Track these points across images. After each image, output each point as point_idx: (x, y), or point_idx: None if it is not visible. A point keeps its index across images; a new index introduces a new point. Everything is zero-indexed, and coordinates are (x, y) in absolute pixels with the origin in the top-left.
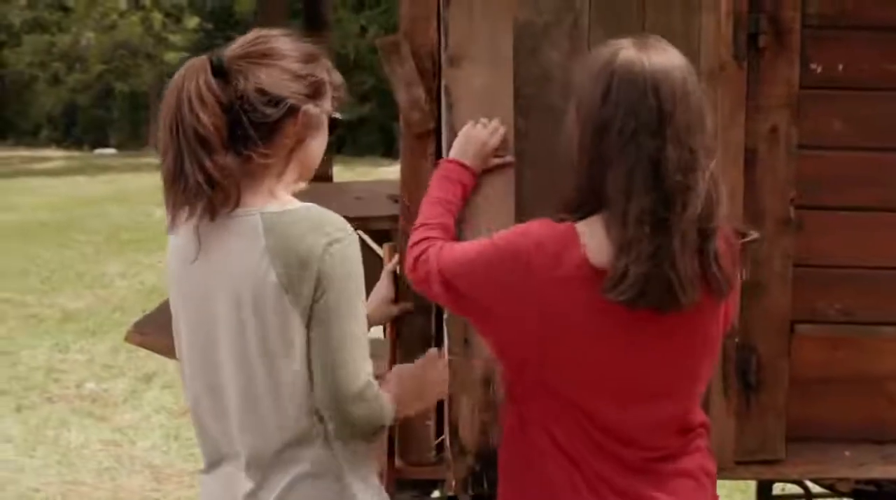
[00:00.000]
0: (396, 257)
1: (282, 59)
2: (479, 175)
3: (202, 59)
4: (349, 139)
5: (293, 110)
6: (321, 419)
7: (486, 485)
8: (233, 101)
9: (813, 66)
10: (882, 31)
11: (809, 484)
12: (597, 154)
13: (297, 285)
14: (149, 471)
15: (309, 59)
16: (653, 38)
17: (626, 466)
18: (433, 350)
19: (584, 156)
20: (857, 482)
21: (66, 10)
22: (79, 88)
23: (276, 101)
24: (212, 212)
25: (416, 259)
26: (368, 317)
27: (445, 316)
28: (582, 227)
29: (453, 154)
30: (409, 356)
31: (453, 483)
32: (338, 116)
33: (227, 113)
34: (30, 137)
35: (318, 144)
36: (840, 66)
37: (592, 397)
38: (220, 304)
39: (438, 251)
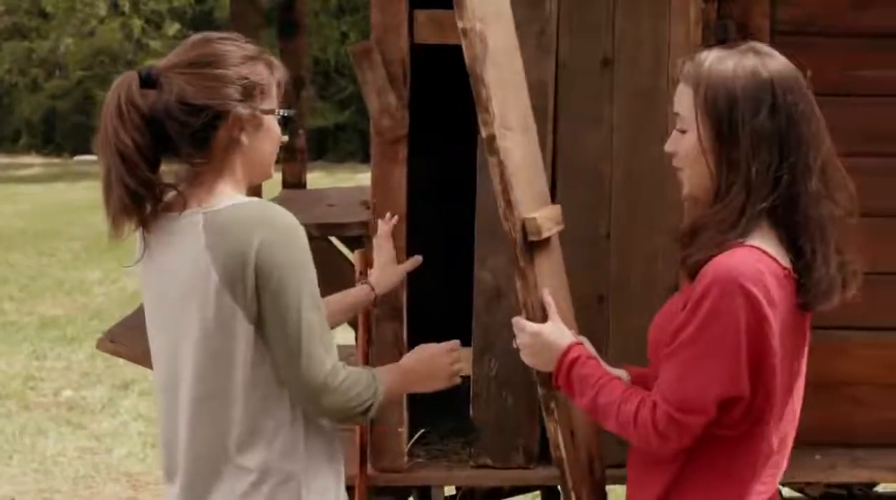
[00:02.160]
0: (394, 219)
1: (208, 65)
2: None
3: (132, 73)
4: (329, 145)
5: (220, 115)
6: (278, 416)
7: None
8: (157, 112)
9: None
10: (850, 37)
11: (780, 488)
12: (772, 166)
13: (237, 282)
14: (125, 479)
15: (243, 60)
16: (756, 44)
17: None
18: (454, 342)
19: (759, 171)
20: (828, 485)
21: (45, 16)
22: (58, 95)
23: (197, 109)
24: (143, 223)
25: (657, 432)
26: (377, 284)
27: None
28: (758, 242)
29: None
30: (380, 361)
31: None
32: (282, 113)
33: (150, 125)
34: (9, 143)
35: (260, 144)
36: (808, 73)
37: (780, 414)
38: (172, 305)
39: (660, 409)
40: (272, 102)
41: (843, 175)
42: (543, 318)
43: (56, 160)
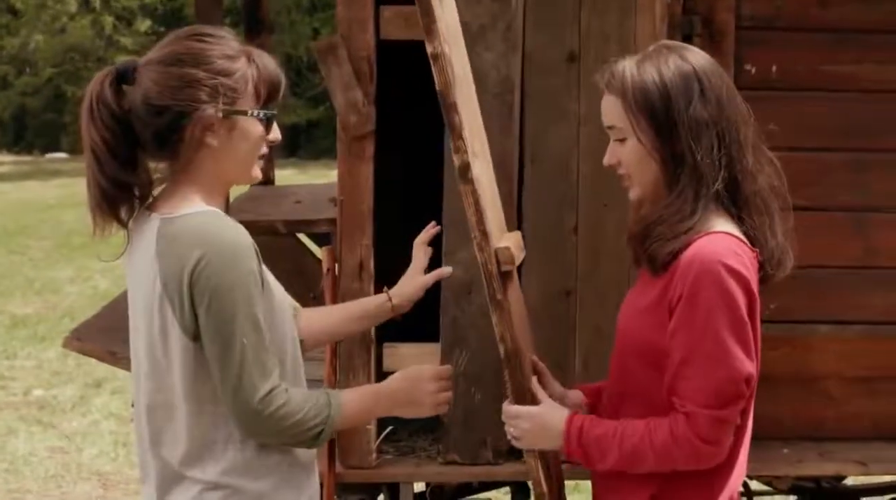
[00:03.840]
0: (436, 229)
1: (176, 64)
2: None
3: (109, 69)
4: (302, 142)
5: (183, 116)
6: (225, 433)
7: None
8: (127, 111)
9: (747, 67)
10: (815, 32)
11: (749, 482)
12: (714, 150)
13: (175, 296)
14: (96, 478)
15: (216, 59)
16: (666, 42)
17: None
18: (445, 368)
19: (704, 157)
20: (796, 478)
21: (15, 13)
22: (29, 92)
23: (159, 110)
24: (119, 221)
25: (704, 440)
26: (396, 293)
27: None
28: (724, 226)
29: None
30: (349, 357)
31: None
32: (256, 113)
33: (121, 123)
34: None
35: (234, 146)
36: (774, 68)
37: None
38: (136, 305)
39: (698, 417)
40: (248, 102)
41: (767, 151)
42: (515, 353)
43: (27, 158)
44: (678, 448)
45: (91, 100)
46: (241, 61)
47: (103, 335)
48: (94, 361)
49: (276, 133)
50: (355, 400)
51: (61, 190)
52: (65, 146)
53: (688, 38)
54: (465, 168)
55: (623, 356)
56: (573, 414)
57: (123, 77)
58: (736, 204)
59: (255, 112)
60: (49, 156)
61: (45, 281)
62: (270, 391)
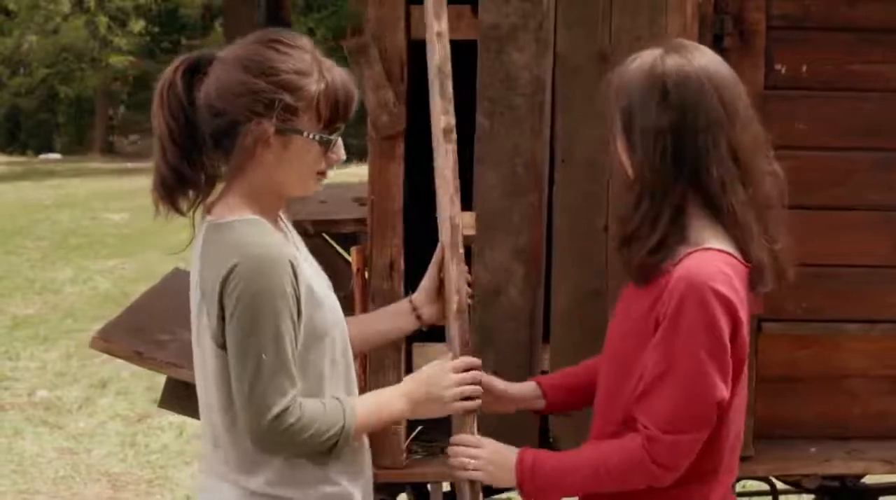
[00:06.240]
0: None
1: (242, 69)
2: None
3: (186, 57)
4: None
5: (239, 123)
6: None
7: None
8: (194, 104)
9: (777, 66)
10: (845, 31)
11: (775, 481)
12: (668, 163)
13: (209, 303)
14: (106, 479)
15: (283, 72)
16: (678, 41)
17: None
18: (462, 360)
19: (653, 170)
20: (823, 478)
21: (8, 13)
22: (22, 93)
23: (217, 112)
24: (174, 208)
25: (661, 465)
26: (423, 315)
27: None
28: (715, 240)
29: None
30: (378, 359)
31: None
32: (311, 136)
33: (187, 114)
34: None
35: (287, 163)
36: (804, 67)
37: (740, 404)
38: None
39: (662, 442)
40: (308, 121)
41: (770, 164)
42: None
43: (20, 159)
44: (633, 473)
45: (163, 86)
46: (309, 78)
47: (130, 335)
48: (98, 361)
49: (339, 153)
50: (371, 406)
51: (56, 191)
52: (58, 147)
53: (719, 38)
54: (450, 130)
55: (613, 375)
56: (522, 451)
57: (196, 68)
58: (717, 216)
59: (312, 135)
60: (42, 156)
61: (44, 282)
62: (285, 409)
